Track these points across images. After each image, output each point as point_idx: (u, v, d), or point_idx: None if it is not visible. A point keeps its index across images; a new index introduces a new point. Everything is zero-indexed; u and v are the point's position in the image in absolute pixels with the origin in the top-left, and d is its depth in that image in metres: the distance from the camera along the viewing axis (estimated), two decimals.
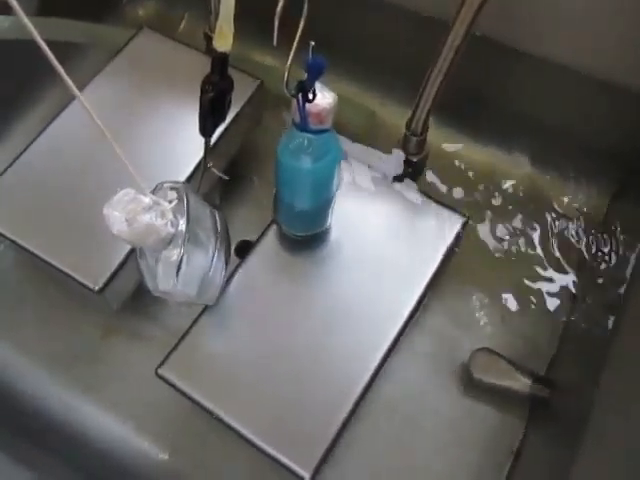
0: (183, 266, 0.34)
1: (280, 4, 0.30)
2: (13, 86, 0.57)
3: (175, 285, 0.35)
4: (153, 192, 0.32)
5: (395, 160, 0.49)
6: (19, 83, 0.57)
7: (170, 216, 0.30)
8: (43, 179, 0.47)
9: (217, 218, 0.39)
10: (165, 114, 0.50)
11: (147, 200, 0.29)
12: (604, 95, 0.49)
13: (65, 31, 0.54)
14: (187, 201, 0.32)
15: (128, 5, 0.66)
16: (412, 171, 0.49)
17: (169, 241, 0.32)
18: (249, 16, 0.36)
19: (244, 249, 0.52)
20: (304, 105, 0.33)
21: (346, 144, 0.49)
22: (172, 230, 0.31)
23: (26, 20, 0.21)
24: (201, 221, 0.36)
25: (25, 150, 0.48)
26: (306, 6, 0.30)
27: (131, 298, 0.48)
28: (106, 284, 0.43)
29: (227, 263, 0.41)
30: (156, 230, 0.29)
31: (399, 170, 0.49)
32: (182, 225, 0.31)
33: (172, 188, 0.31)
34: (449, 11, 0.38)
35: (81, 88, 0.51)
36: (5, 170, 0.47)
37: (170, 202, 0.30)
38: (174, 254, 0.32)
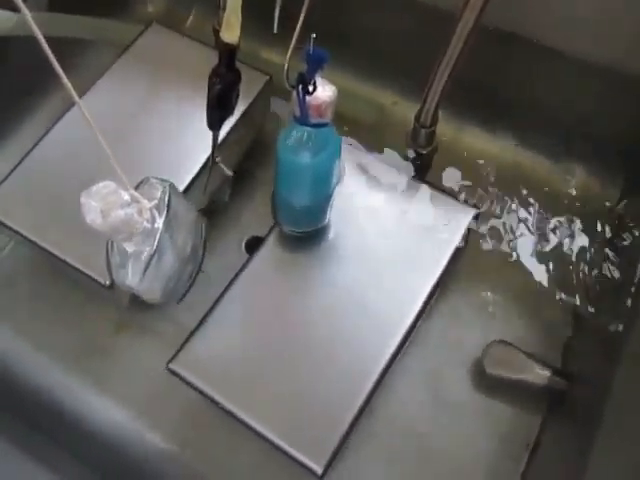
0: (152, 265, 0.33)
1: None
2: (24, 82, 0.57)
3: (141, 282, 0.34)
4: (137, 186, 0.32)
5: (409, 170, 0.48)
6: (31, 78, 0.57)
7: (147, 215, 0.29)
8: (54, 175, 0.47)
9: (202, 227, 0.38)
10: (174, 109, 0.50)
11: (126, 197, 0.29)
12: (618, 86, 0.48)
13: (74, 27, 0.54)
14: (169, 201, 0.32)
15: (137, 1, 0.66)
16: (421, 164, 0.49)
17: (142, 239, 0.32)
18: (257, 13, 0.36)
19: (254, 245, 0.52)
20: (304, 97, 0.33)
21: (359, 154, 0.48)
22: (148, 226, 0.30)
23: (29, 17, 0.21)
24: (181, 224, 0.36)
25: (35, 146, 0.49)
26: None
27: None
28: None
29: (197, 273, 0.41)
30: (130, 226, 0.29)
31: (406, 170, 0.49)
32: (159, 224, 0.31)
33: (158, 184, 0.31)
34: (455, 2, 0.38)
35: (91, 84, 0.51)
36: (16, 167, 0.48)
37: (150, 201, 0.30)
38: (145, 251, 0.32)
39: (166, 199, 0.32)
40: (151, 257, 0.33)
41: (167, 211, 0.31)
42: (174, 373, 0.41)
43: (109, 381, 0.49)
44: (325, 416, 0.39)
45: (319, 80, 0.33)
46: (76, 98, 0.25)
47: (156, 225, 0.31)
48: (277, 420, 0.39)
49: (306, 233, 0.44)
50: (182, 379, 0.40)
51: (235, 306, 0.43)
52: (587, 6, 0.45)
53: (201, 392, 0.40)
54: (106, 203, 0.28)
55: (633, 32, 0.44)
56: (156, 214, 0.30)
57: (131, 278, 0.34)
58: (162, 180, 0.32)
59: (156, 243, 0.32)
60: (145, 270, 0.33)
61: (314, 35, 0.30)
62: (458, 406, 0.47)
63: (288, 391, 0.40)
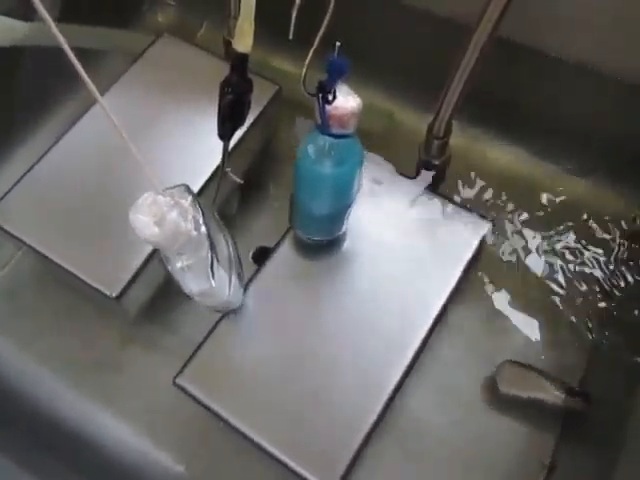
0: (215, 263, 0.33)
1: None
2: (34, 92, 0.57)
3: (211, 283, 0.34)
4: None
5: (422, 178, 0.48)
6: (40, 88, 0.57)
7: (192, 213, 0.29)
8: (61, 185, 0.47)
9: (224, 227, 0.38)
10: (184, 119, 0.50)
11: (168, 199, 0.28)
12: (635, 98, 0.47)
13: (86, 38, 0.54)
14: (197, 200, 0.31)
15: (148, 11, 0.66)
16: (434, 175, 0.48)
17: (194, 246, 0.31)
18: (267, 22, 0.35)
19: (261, 255, 0.52)
20: (324, 106, 0.32)
21: (372, 165, 0.48)
22: (195, 233, 0.30)
23: (53, 26, 0.21)
24: (212, 225, 0.35)
25: (43, 156, 0.48)
26: (332, 3, 0.30)
27: (148, 305, 0.47)
28: (123, 291, 0.43)
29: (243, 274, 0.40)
30: (180, 233, 0.29)
31: (419, 181, 0.48)
32: (203, 226, 0.30)
33: (179, 190, 0.30)
34: (469, 12, 0.37)
35: (102, 93, 0.50)
36: (23, 176, 0.47)
37: (186, 200, 0.29)
38: (203, 252, 0.32)
39: (196, 201, 0.31)
40: (212, 255, 0.32)
41: (201, 209, 0.30)
42: (181, 388, 0.40)
43: (114, 396, 0.48)
44: (336, 434, 0.38)
45: (344, 90, 0.32)
46: (98, 96, 0.24)
47: (202, 230, 0.30)
48: (287, 438, 0.38)
49: (321, 242, 0.44)
50: (189, 394, 0.39)
51: (243, 318, 0.42)
52: (603, 18, 0.44)
53: (208, 409, 0.39)
54: (155, 213, 0.28)
55: None
56: (198, 217, 0.29)
57: (201, 283, 0.33)
58: (177, 186, 0.31)
59: (209, 240, 0.32)
60: (212, 270, 0.33)
61: (339, 43, 0.30)
62: (471, 425, 0.46)
63: (298, 407, 0.39)
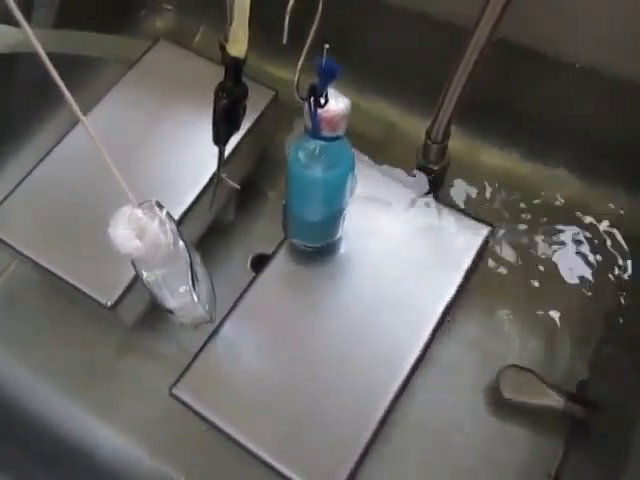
0: (196, 275, 0.33)
1: (291, 1, 0.29)
2: (26, 101, 0.57)
3: (193, 296, 0.34)
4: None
5: (418, 182, 0.47)
6: (35, 96, 0.56)
7: (169, 225, 0.28)
8: (56, 195, 0.47)
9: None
10: (181, 125, 0.49)
11: (146, 211, 0.28)
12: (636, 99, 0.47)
13: (81, 44, 0.54)
14: (169, 213, 0.31)
15: (145, 17, 0.66)
16: (433, 180, 0.48)
17: (170, 259, 0.30)
18: (263, 28, 0.35)
19: (259, 262, 0.51)
20: (315, 110, 0.32)
21: (366, 165, 0.47)
22: (171, 247, 0.29)
23: (30, 33, 0.20)
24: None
25: (37, 166, 0.48)
26: (320, 6, 0.29)
27: (145, 314, 0.47)
28: (119, 300, 0.42)
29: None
30: (164, 240, 0.28)
31: (417, 186, 0.47)
32: (177, 233, 0.30)
33: (151, 205, 0.30)
34: (467, 15, 0.37)
35: (98, 99, 0.51)
36: (18, 185, 0.47)
37: (162, 212, 0.29)
38: (181, 264, 0.31)
39: (169, 213, 0.31)
40: (191, 267, 0.32)
41: (174, 222, 0.30)
42: (177, 399, 0.39)
43: (110, 404, 0.47)
44: (336, 443, 0.38)
45: (332, 93, 0.32)
46: (80, 115, 0.24)
47: (179, 241, 0.30)
48: (286, 449, 0.37)
49: (317, 248, 0.43)
50: (185, 405, 0.39)
51: (240, 327, 0.42)
52: (600, 21, 0.44)
53: (205, 419, 0.38)
54: (134, 226, 0.27)
55: None
56: (174, 229, 0.29)
57: (182, 297, 0.33)
58: (147, 201, 0.31)
59: (189, 252, 0.32)
60: (193, 282, 0.33)
61: (327, 45, 0.29)
62: (474, 432, 0.45)
63: (297, 417, 0.38)
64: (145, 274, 0.31)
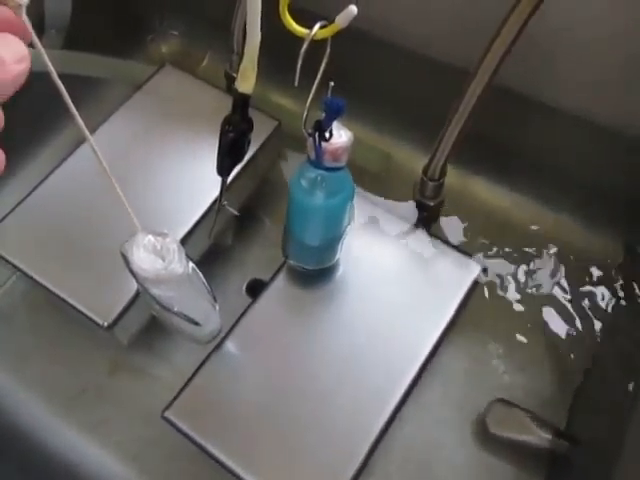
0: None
1: (304, 45, 0.30)
2: (31, 119, 0.57)
3: (214, 304, 0.35)
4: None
5: (410, 210, 0.48)
6: (38, 116, 0.57)
7: (176, 254, 0.29)
8: (56, 213, 0.47)
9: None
10: (183, 150, 0.50)
11: (158, 237, 0.29)
12: (623, 147, 0.49)
13: (88, 65, 0.54)
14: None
15: (152, 42, 0.67)
16: (428, 215, 0.49)
17: (180, 282, 0.31)
18: (269, 57, 0.36)
19: (255, 288, 0.52)
20: (320, 144, 0.33)
21: (366, 202, 0.49)
22: (180, 270, 0.30)
23: (43, 52, 0.21)
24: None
25: (39, 185, 0.48)
26: (329, 48, 0.31)
27: (140, 335, 0.47)
28: (115, 320, 0.43)
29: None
30: (183, 262, 0.29)
31: (411, 217, 0.49)
32: (188, 260, 0.31)
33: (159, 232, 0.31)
34: (469, 58, 0.38)
35: (102, 122, 0.51)
36: (20, 203, 0.47)
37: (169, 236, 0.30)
38: (196, 280, 0.32)
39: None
40: (210, 289, 0.33)
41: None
42: (170, 422, 0.39)
43: (101, 424, 0.47)
44: (326, 471, 0.38)
45: (335, 125, 0.33)
46: (87, 134, 0.25)
47: (191, 264, 0.31)
48: (277, 476, 0.38)
49: (314, 270, 0.44)
50: (177, 429, 0.39)
51: (236, 351, 0.42)
52: (588, 69, 0.46)
53: (197, 444, 0.38)
54: (153, 250, 0.28)
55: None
56: (182, 253, 0.30)
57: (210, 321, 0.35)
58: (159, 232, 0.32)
59: (203, 278, 0.33)
60: (214, 299, 0.34)
61: (332, 83, 0.30)
62: (459, 466, 0.45)
63: (289, 444, 0.39)
64: (164, 294, 0.31)
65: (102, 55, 0.56)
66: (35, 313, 0.52)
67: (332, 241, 0.42)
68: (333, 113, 0.31)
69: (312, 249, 0.42)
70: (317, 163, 0.35)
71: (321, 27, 0.29)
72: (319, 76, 0.31)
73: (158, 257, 0.29)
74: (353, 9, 0.28)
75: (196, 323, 0.35)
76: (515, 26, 0.35)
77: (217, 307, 0.37)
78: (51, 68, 0.22)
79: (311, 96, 0.32)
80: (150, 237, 0.29)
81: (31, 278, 0.44)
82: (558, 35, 0.44)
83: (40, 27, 0.53)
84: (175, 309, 0.33)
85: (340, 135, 0.34)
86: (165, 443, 0.45)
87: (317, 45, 0.30)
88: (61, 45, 0.54)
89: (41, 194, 0.48)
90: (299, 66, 0.30)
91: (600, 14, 0.42)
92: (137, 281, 0.30)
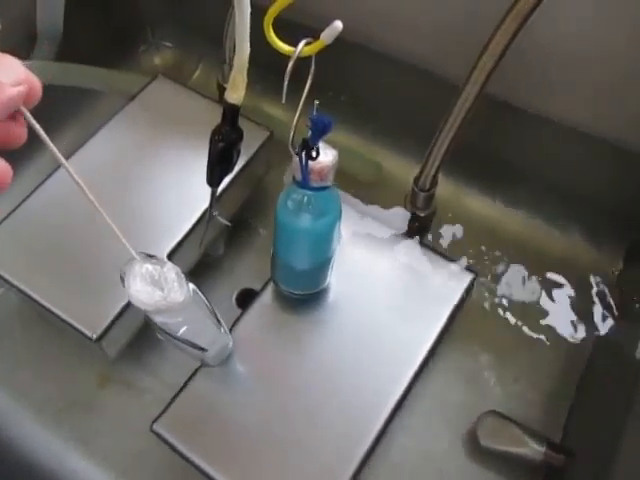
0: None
1: (290, 64, 0.30)
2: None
3: (220, 328, 0.35)
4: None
5: (399, 217, 0.48)
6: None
7: (175, 281, 0.29)
8: (46, 225, 0.47)
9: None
10: (175, 161, 0.50)
11: (155, 265, 0.28)
12: (616, 158, 0.49)
13: (81, 77, 0.54)
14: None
15: (144, 53, 0.67)
16: (419, 226, 0.49)
17: (182, 309, 0.31)
18: (261, 68, 0.36)
19: (246, 298, 0.51)
20: (306, 163, 0.33)
21: (347, 200, 0.49)
22: (180, 298, 0.30)
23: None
24: None
25: (28, 197, 0.48)
26: (313, 67, 0.30)
27: (128, 347, 0.47)
28: (104, 333, 0.42)
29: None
30: (183, 289, 0.29)
31: (403, 228, 0.48)
32: (188, 285, 0.30)
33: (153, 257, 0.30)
34: (459, 70, 0.39)
35: (95, 132, 0.51)
36: (9, 215, 0.47)
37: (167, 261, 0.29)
38: (201, 310, 0.32)
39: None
40: (214, 312, 0.33)
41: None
42: (158, 435, 0.39)
43: (89, 437, 0.47)
44: None
45: (321, 144, 0.33)
46: (62, 160, 0.25)
47: (192, 287, 0.30)
48: None
49: (305, 295, 0.44)
50: (166, 442, 0.39)
51: (223, 365, 0.42)
52: (585, 81, 0.46)
53: (185, 457, 0.38)
54: (150, 281, 0.28)
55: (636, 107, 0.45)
56: (182, 280, 0.29)
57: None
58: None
59: (206, 300, 0.32)
60: (219, 322, 0.34)
61: (317, 102, 0.30)
62: (451, 478, 0.45)
63: (279, 458, 0.38)
64: (168, 321, 0.31)
65: (94, 66, 0.56)
66: (24, 326, 0.52)
67: (322, 264, 0.41)
68: (320, 131, 0.31)
69: (301, 273, 0.41)
70: (303, 183, 0.34)
71: (306, 44, 0.29)
72: (305, 93, 0.31)
73: (157, 288, 0.28)
74: (338, 25, 0.28)
75: (202, 349, 0.35)
76: (501, 42, 0.35)
77: (222, 328, 0.36)
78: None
79: (297, 115, 0.31)
80: (148, 266, 0.28)
81: (20, 290, 0.44)
82: (546, 49, 0.45)
83: (32, 38, 0.53)
84: (179, 334, 0.32)
85: (325, 154, 0.33)
86: (154, 456, 0.44)
87: (306, 58, 0.30)
88: (54, 56, 0.54)
89: (30, 206, 0.48)
90: (286, 84, 0.30)
91: (585, 29, 0.43)
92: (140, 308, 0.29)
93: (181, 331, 0.32)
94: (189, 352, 0.36)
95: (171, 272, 0.28)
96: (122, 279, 0.28)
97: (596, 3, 0.41)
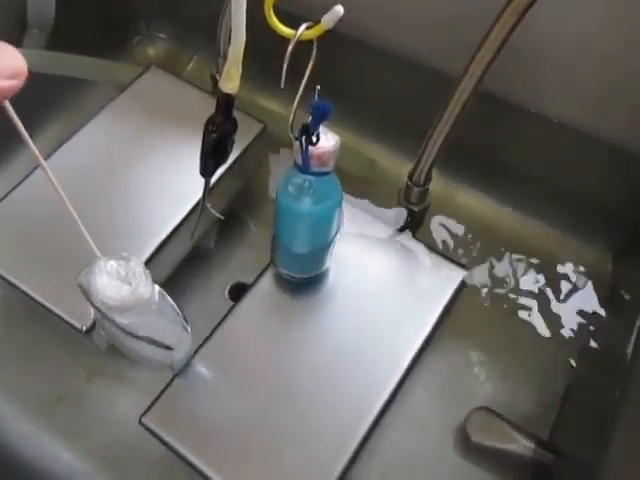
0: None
1: (290, 47, 0.29)
2: (6, 125, 0.57)
3: (186, 326, 0.34)
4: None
5: (396, 217, 0.48)
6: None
7: (142, 278, 0.28)
8: (34, 216, 0.46)
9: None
10: (167, 152, 0.50)
11: (121, 261, 0.28)
12: (612, 158, 0.49)
13: (72, 66, 0.54)
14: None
15: (138, 45, 0.67)
16: (413, 221, 0.49)
17: (146, 307, 0.30)
18: (256, 61, 0.36)
19: (238, 291, 0.51)
20: (307, 148, 0.33)
21: (351, 207, 0.48)
22: (147, 295, 0.29)
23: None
24: None
25: (15, 188, 0.47)
26: (315, 49, 0.30)
27: None
28: (93, 325, 0.42)
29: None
30: (149, 286, 0.28)
31: (396, 223, 0.48)
32: (153, 286, 0.30)
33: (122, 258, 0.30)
34: (455, 64, 0.39)
35: (86, 122, 0.51)
36: None
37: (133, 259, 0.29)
38: (164, 303, 0.31)
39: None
40: (181, 316, 0.33)
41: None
42: (147, 428, 0.38)
43: (78, 430, 0.46)
44: (306, 478, 0.37)
45: (322, 129, 0.33)
46: (42, 160, 0.24)
47: (157, 288, 0.30)
48: None
49: (303, 279, 0.44)
50: (155, 435, 0.38)
51: (216, 356, 0.42)
52: (584, 78, 0.46)
53: (174, 450, 0.38)
54: (117, 276, 0.27)
55: (631, 107, 0.45)
56: (148, 277, 0.29)
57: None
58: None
59: (172, 301, 0.32)
60: (186, 320, 0.33)
61: (318, 87, 0.30)
62: (441, 474, 0.45)
63: (267, 451, 0.38)
64: (132, 322, 0.30)
65: (86, 56, 0.55)
66: (12, 319, 0.51)
67: (321, 249, 0.41)
68: (320, 116, 0.31)
69: (300, 257, 0.41)
70: (304, 168, 0.34)
71: (307, 28, 0.29)
72: (306, 77, 0.31)
73: (124, 283, 0.27)
74: (339, 9, 0.28)
75: (168, 347, 0.34)
76: (499, 36, 0.35)
77: (189, 329, 0.36)
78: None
79: (297, 99, 0.31)
80: (112, 262, 0.28)
81: (7, 282, 0.43)
82: (543, 47, 0.45)
83: (22, 26, 0.52)
84: (141, 334, 0.31)
85: (327, 139, 0.33)
86: (143, 450, 0.44)
87: (303, 49, 0.30)
88: (44, 45, 0.53)
89: (17, 198, 0.47)
90: (285, 67, 0.30)
91: (585, 29, 0.43)
92: (99, 311, 0.29)
93: (144, 332, 0.31)
94: (152, 360, 0.35)
95: (138, 267, 0.28)
96: (81, 287, 0.28)
97: (596, 3, 0.41)
